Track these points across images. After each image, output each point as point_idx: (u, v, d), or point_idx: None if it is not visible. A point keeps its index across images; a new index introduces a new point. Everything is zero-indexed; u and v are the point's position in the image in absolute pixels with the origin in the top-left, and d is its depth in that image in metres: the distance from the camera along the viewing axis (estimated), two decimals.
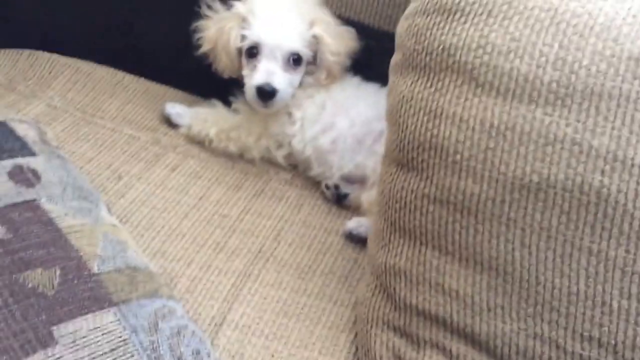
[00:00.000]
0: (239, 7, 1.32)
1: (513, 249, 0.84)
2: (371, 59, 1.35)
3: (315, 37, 1.30)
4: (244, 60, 1.32)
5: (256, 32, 1.28)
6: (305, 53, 1.30)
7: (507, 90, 0.83)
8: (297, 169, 1.37)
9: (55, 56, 1.50)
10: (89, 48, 1.54)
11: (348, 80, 1.37)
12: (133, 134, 1.35)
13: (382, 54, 1.25)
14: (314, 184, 1.34)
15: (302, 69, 1.32)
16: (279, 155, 1.35)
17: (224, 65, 1.34)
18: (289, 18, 1.29)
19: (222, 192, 1.26)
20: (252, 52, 1.30)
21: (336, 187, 1.29)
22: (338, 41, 1.31)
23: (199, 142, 1.37)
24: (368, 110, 1.30)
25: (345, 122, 1.31)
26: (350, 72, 1.38)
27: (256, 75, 1.28)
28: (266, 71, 1.28)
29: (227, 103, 1.41)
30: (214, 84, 1.43)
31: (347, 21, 1.36)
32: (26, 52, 1.50)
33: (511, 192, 0.83)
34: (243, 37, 1.30)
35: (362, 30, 1.35)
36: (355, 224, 1.22)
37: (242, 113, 1.37)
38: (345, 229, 1.22)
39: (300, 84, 1.34)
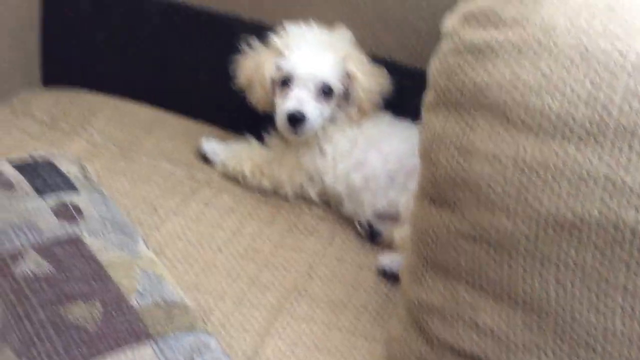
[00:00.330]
0: (275, 41, 1.36)
1: (548, 286, 0.83)
2: (402, 96, 1.37)
3: (347, 72, 1.33)
4: (277, 90, 1.35)
5: (290, 63, 1.32)
6: (337, 86, 1.33)
7: (539, 127, 0.84)
8: (329, 204, 1.38)
9: (95, 95, 1.55)
10: (128, 86, 1.58)
11: (380, 116, 1.38)
12: (169, 169, 1.38)
13: (413, 91, 1.27)
14: (347, 219, 1.34)
15: (333, 101, 1.34)
16: (312, 191, 1.37)
17: (258, 97, 1.37)
18: (322, 52, 1.33)
19: (255, 227, 1.28)
20: (286, 82, 1.33)
21: (369, 224, 1.30)
22: (370, 78, 1.33)
23: (233, 178, 1.39)
24: (400, 146, 1.31)
25: (377, 158, 1.32)
26: (381, 109, 1.39)
27: (288, 102, 1.31)
28: (297, 98, 1.31)
29: (262, 140, 1.44)
30: (248, 120, 1.46)
31: (378, 59, 1.38)
32: (68, 91, 1.55)
33: (545, 229, 0.83)
34: (278, 68, 1.33)
35: (394, 67, 1.37)
36: (387, 259, 1.22)
37: (275, 148, 1.39)
38: (377, 265, 1.23)
39: (332, 119, 1.36)
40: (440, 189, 0.92)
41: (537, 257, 0.84)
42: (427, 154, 0.95)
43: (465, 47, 0.93)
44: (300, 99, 1.31)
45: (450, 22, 1.01)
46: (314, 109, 1.31)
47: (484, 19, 0.93)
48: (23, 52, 1.56)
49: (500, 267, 0.86)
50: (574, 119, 0.82)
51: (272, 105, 1.37)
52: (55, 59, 1.63)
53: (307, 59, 1.32)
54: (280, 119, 1.33)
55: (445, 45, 0.97)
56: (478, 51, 0.91)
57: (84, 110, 1.49)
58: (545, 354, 0.85)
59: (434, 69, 0.98)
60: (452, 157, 0.90)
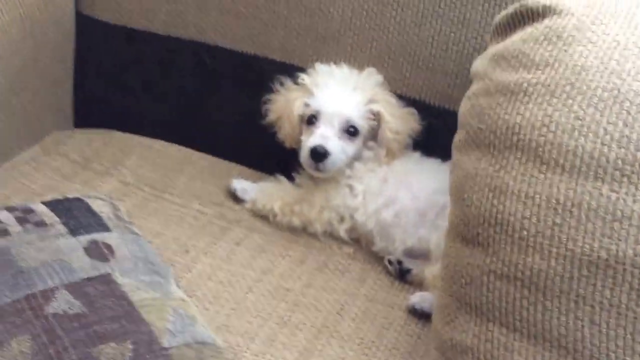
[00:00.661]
0: (305, 79, 1.38)
1: (582, 326, 0.83)
2: (431, 136, 1.38)
3: (374, 113, 1.35)
4: (304, 127, 1.37)
5: (317, 101, 1.35)
6: (362, 125, 1.35)
7: (572, 167, 0.84)
8: (359, 243, 1.38)
9: (127, 135, 1.57)
10: (159, 126, 1.61)
11: (409, 155, 1.39)
12: (200, 208, 1.39)
13: (441, 131, 1.29)
14: (377, 257, 1.34)
15: (358, 141, 1.36)
16: (341, 229, 1.37)
17: (286, 133, 1.40)
18: (349, 91, 1.35)
19: (286, 266, 1.28)
20: (312, 119, 1.35)
21: (399, 262, 1.30)
22: (398, 120, 1.35)
23: (264, 217, 1.39)
24: (430, 184, 1.31)
25: (407, 195, 1.32)
26: (410, 148, 1.40)
27: (312, 138, 1.34)
28: (321, 135, 1.33)
29: (291, 179, 1.44)
30: (278, 160, 1.47)
31: (407, 99, 1.40)
32: (101, 131, 1.58)
33: (579, 269, 0.83)
34: (306, 105, 1.36)
35: (422, 107, 1.39)
36: (418, 298, 1.22)
37: (305, 187, 1.40)
38: (408, 304, 1.22)
39: (361, 158, 1.37)
40: (472, 228, 0.92)
41: (571, 297, 0.84)
42: (459, 194, 0.95)
43: (496, 88, 0.94)
44: (324, 135, 1.33)
45: (480, 63, 1.02)
46: (336, 146, 1.33)
47: (515, 60, 0.94)
48: (56, 93, 1.59)
49: (534, 307, 0.86)
50: (607, 159, 0.83)
51: (299, 142, 1.39)
52: (87, 100, 1.66)
53: (334, 97, 1.35)
54: (304, 155, 1.35)
55: (475, 86, 0.98)
56: (510, 92, 0.92)
57: (116, 151, 1.52)
58: None
59: (465, 109, 0.99)
60: (484, 197, 0.90)
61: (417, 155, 1.39)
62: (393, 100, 1.38)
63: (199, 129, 1.59)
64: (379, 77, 1.39)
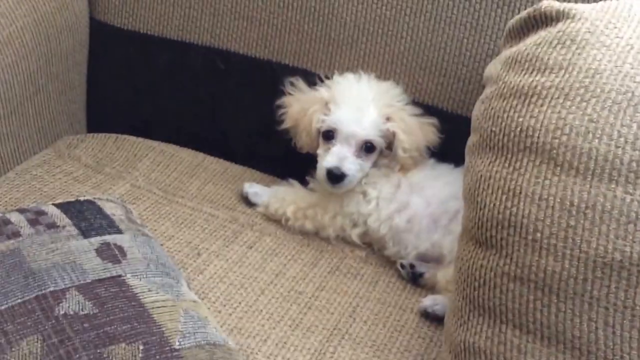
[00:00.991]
0: (322, 92, 1.38)
1: (596, 328, 0.83)
2: (444, 141, 1.38)
3: (390, 130, 1.34)
4: (320, 140, 1.37)
5: (335, 119, 1.34)
6: (379, 142, 1.35)
7: (586, 169, 0.84)
8: (371, 246, 1.38)
9: (140, 139, 1.58)
10: (171, 131, 1.62)
11: (423, 162, 1.39)
12: (212, 212, 1.39)
13: (455, 137, 1.28)
14: (389, 261, 1.34)
15: (374, 155, 1.36)
16: (354, 234, 1.37)
17: (303, 142, 1.40)
18: (366, 108, 1.34)
19: (298, 269, 1.28)
20: (329, 135, 1.35)
21: (411, 266, 1.30)
22: (412, 137, 1.34)
23: (276, 221, 1.40)
24: (443, 189, 1.32)
25: (420, 201, 1.32)
26: (427, 157, 1.40)
27: (328, 158, 1.33)
28: (338, 155, 1.32)
29: (304, 183, 1.45)
30: (291, 165, 1.48)
31: (420, 105, 1.40)
32: (113, 136, 1.59)
33: (593, 270, 0.83)
34: (323, 120, 1.35)
35: (436, 113, 1.39)
36: (430, 301, 1.22)
37: (318, 192, 1.40)
38: (420, 307, 1.22)
39: (375, 164, 1.37)
40: (486, 230, 0.92)
41: (585, 298, 0.83)
42: (472, 196, 0.95)
43: (510, 92, 0.94)
44: (340, 156, 1.32)
45: (494, 67, 1.02)
46: (353, 165, 1.32)
47: (528, 64, 0.94)
48: (70, 97, 1.60)
49: (547, 309, 0.86)
50: (621, 161, 0.83)
51: (316, 148, 1.39)
52: (100, 105, 1.68)
53: (351, 116, 1.33)
54: (320, 173, 1.35)
55: (489, 90, 0.99)
56: (523, 95, 0.92)
57: (129, 155, 1.52)
58: None
59: (478, 113, 0.99)
60: (498, 199, 0.90)
61: (431, 161, 1.39)
62: (410, 115, 1.37)
63: (212, 134, 1.60)
64: (398, 90, 1.39)
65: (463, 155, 1.06)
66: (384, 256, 1.35)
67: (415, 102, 1.40)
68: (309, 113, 1.37)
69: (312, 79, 1.44)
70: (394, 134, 1.34)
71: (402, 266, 1.31)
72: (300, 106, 1.40)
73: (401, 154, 1.34)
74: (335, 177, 1.32)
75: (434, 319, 1.21)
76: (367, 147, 1.34)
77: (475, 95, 1.31)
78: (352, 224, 1.37)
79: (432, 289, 1.27)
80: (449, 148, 1.35)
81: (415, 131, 1.35)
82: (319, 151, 1.37)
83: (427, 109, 1.39)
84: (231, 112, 1.57)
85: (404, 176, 1.36)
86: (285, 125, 1.42)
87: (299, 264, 1.30)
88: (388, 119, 1.34)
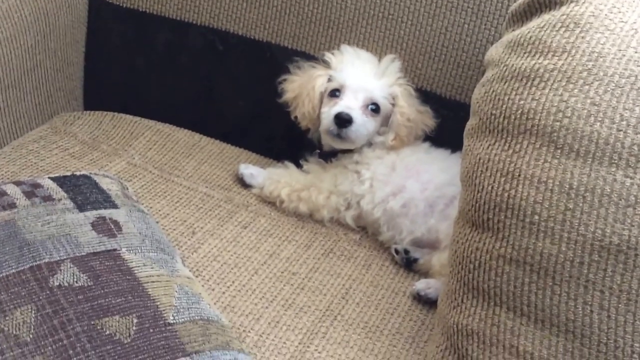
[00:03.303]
0: (330, 58, 1.40)
1: (591, 312, 0.83)
2: (442, 127, 1.39)
3: (393, 97, 1.36)
4: (325, 100, 1.39)
5: (343, 75, 1.36)
6: (384, 104, 1.36)
7: (587, 152, 0.84)
8: (365, 230, 1.38)
9: (137, 118, 1.58)
10: (168, 111, 1.61)
11: (418, 144, 1.39)
12: (207, 192, 1.39)
13: (452, 123, 1.29)
14: (382, 245, 1.35)
15: (378, 119, 1.37)
16: (348, 216, 1.37)
17: (304, 110, 1.40)
18: (373, 71, 1.37)
19: (291, 250, 1.28)
20: (335, 93, 1.37)
21: (406, 251, 1.30)
22: (411, 109, 1.35)
23: (271, 202, 1.40)
24: (439, 174, 1.32)
25: (416, 185, 1.32)
26: (421, 140, 1.41)
27: (336, 107, 1.35)
28: (346, 104, 1.34)
29: (299, 166, 1.45)
30: (286, 147, 1.48)
31: (419, 91, 1.41)
32: (110, 114, 1.58)
33: (590, 254, 0.83)
34: (330, 79, 1.38)
35: (434, 99, 1.39)
36: (423, 285, 1.22)
37: (313, 173, 1.41)
38: (413, 290, 1.23)
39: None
40: (483, 213, 0.92)
41: (581, 282, 0.83)
42: (470, 179, 0.95)
43: (511, 74, 0.94)
44: (348, 105, 1.34)
45: (495, 51, 1.02)
46: (360, 117, 1.34)
47: (531, 47, 0.94)
48: (67, 74, 1.59)
49: (542, 291, 0.86)
50: (622, 145, 0.83)
51: (316, 120, 1.40)
52: (97, 82, 1.67)
53: (359, 73, 1.36)
54: (327, 122, 1.35)
55: (490, 73, 0.98)
56: (525, 78, 0.92)
57: (125, 133, 1.52)
58: None
59: (479, 96, 0.99)
60: (496, 182, 0.90)
61: (426, 145, 1.39)
62: (412, 90, 1.39)
63: (209, 115, 1.60)
64: (399, 64, 1.40)
65: (460, 142, 1.06)
66: (378, 240, 1.36)
67: (413, 88, 1.40)
68: (313, 78, 1.39)
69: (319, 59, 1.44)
70: (394, 101, 1.36)
71: (397, 251, 1.31)
72: (305, 75, 1.41)
73: (399, 118, 1.35)
74: (344, 120, 1.32)
75: (426, 302, 1.21)
76: (372, 108, 1.36)
77: (474, 81, 1.31)
78: (346, 205, 1.37)
79: (425, 274, 1.27)
80: (446, 134, 1.35)
81: (414, 103, 1.37)
82: (324, 109, 1.37)
83: (425, 95, 1.40)
84: (228, 93, 1.57)
85: (399, 157, 1.36)
86: (286, 97, 1.43)
87: (293, 245, 1.30)
88: (393, 84, 1.37)
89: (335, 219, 1.38)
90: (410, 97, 1.38)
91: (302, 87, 1.40)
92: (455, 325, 0.96)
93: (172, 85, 1.62)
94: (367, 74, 1.36)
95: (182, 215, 1.31)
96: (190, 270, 1.13)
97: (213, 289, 1.16)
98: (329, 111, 1.35)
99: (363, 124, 1.34)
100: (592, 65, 0.87)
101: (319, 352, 1.09)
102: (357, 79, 1.35)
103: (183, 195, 1.37)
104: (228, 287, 1.18)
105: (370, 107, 1.35)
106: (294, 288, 1.20)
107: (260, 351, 1.07)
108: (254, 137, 1.56)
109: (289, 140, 1.48)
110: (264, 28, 1.49)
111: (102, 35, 1.63)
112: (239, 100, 1.56)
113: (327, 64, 1.40)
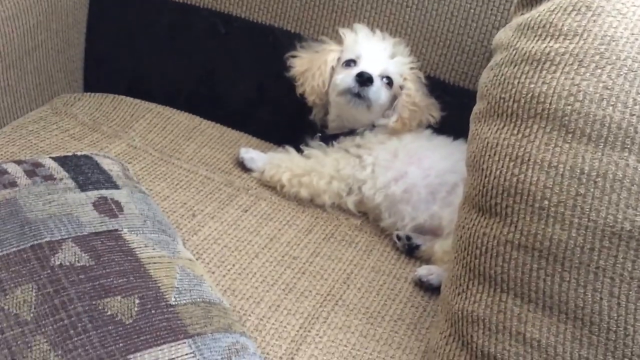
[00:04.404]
0: (344, 33, 1.40)
1: (601, 299, 0.82)
2: (446, 114, 1.38)
3: (403, 77, 1.36)
4: (339, 69, 1.38)
5: (359, 48, 1.37)
6: (397, 80, 1.37)
7: (599, 137, 0.83)
8: (367, 216, 1.37)
9: (137, 101, 1.56)
10: (170, 95, 1.60)
11: (420, 131, 1.39)
12: (208, 175, 1.38)
13: (456, 110, 1.28)
14: (384, 231, 1.34)
15: (391, 92, 1.37)
16: (350, 201, 1.36)
17: (313, 84, 1.40)
18: (388, 50, 1.37)
19: (292, 235, 1.27)
20: (350, 63, 1.37)
21: (408, 238, 1.29)
22: (418, 93, 1.35)
23: (271, 186, 1.39)
24: (442, 161, 1.31)
25: (418, 172, 1.31)
26: (423, 127, 1.40)
27: (354, 70, 1.34)
28: (364, 68, 1.33)
29: (300, 151, 1.44)
30: (287, 132, 1.47)
31: (425, 77, 1.39)
32: (110, 96, 1.56)
33: (601, 240, 0.82)
34: (346, 50, 1.39)
35: (438, 85, 1.38)
36: (425, 271, 1.21)
37: (314, 158, 1.39)
38: (415, 276, 1.22)
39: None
40: (490, 198, 0.91)
41: (591, 268, 0.83)
42: (477, 164, 0.94)
43: (521, 58, 0.93)
44: (366, 69, 1.33)
45: (505, 34, 1.01)
46: (379, 80, 1.34)
47: (542, 30, 0.93)
48: (68, 55, 1.57)
49: (551, 278, 0.85)
50: (635, 129, 0.82)
51: (324, 95, 1.40)
52: (98, 64, 1.65)
53: (375, 48, 1.37)
54: (344, 84, 1.34)
55: (499, 57, 0.97)
56: (536, 61, 0.91)
57: (125, 115, 1.51)
58: None
59: (487, 80, 0.98)
60: (505, 166, 0.89)
61: (428, 131, 1.38)
62: (422, 77, 1.39)
63: (210, 98, 1.58)
64: (408, 49, 1.40)
65: (463, 129, 1.05)
66: (380, 227, 1.35)
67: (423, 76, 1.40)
68: (326, 52, 1.39)
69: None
70: (403, 83, 1.36)
71: (399, 238, 1.30)
72: (313, 53, 1.41)
73: (404, 100, 1.35)
74: (366, 79, 1.32)
75: (428, 288, 1.20)
76: (386, 82, 1.36)
77: (479, 67, 1.30)
78: (347, 190, 1.36)
79: (427, 260, 1.27)
80: (449, 121, 1.35)
81: (422, 89, 1.37)
82: (339, 76, 1.37)
83: (429, 81, 1.39)
84: (230, 77, 1.56)
85: (401, 143, 1.35)
86: (294, 72, 1.42)
87: (294, 229, 1.29)
88: (405, 65, 1.37)
89: (337, 204, 1.37)
90: (419, 82, 1.38)
91: (312, 61, 1.39)
92: (460, 312, 0.95)
93: (173, 68, 1.60)
94: (381, 50, 1.36)
95: (182, 198, 1.30)
96: (190, 253, 1.12)
97: (213, 272, 1.15)
98: (349, 73, 1.34)
99: (380, 88, 1.34)
100: (605, 48, 0.86)
101: (320, 337, 1.08)
102: (373, 52, 1.36)
103: (183, 178, 1.36)
104: (228, 270, 1.17)
105: (384, 79, 1.35)
106: (295, 272, 1.19)
107: (260, 335, 1.06)
108: (255, 121, 1.54)
109: (290, 124, 1.47)
110: (267, 11, 1.48)
111: (104, 17, 1.61)
112: (240, 84, 1.55)
113: (339, 40, 1.40)
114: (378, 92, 1.33)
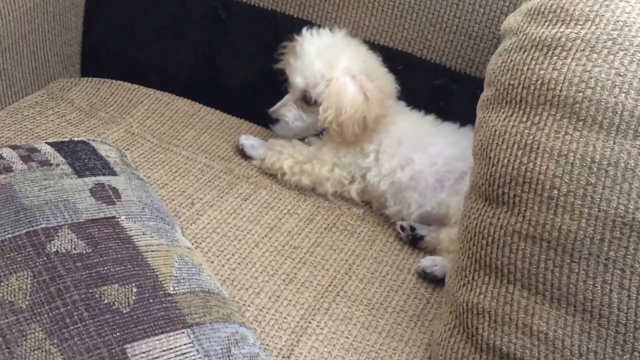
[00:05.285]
0: (293, 45, 1.39)
1: (611, 291, 0.80)
2: (452, 102, 1.35)
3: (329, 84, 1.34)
4: None
5: (288, 69, 1.38)
6: (317, 94, 1.34)
7: (611, 124, 0.81)
8: (370, 205, 1.35)
9: (135, 86, 1.53)
10: (168, 80, 1.57)
11: (421, 116, 1.36)
12: (207, 162, 1.36)
13: (462, 97, 1.25)
14: (387, 220, 1.32)
15: (317, 108, 1.35)
16: (353, 190, 1.34)
17: None
18: (311, 61, 1.34)
19: (293, 224, 1.25)
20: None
21: (412, 228, 1.27)
22: (340, 105, 1.31)
23: (271, 174, 1.36)
24: (448, 149, 1.29)
25: (425, 159, 1.29)
26: (418, 110, 1.37)
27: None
28: (282, 101, 1.39)
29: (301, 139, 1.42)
30: None
31: (427, 63, 1.36)
32: (108, 81, 1.54)
33: (612, 230, 0.80)
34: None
35: (444, 72, 1.35)
36: (429, 262, 1.19)
37: (315, 145, 1.38)
38: (418, 267, 1.20)
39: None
40: (497, 187, 0.89)
41: (601, 260, 0.81)
42: (485, 152, 0.92)
43: (531, 43, 0.91)
44: (283, 102, 1.39)
45: (514, 19, 0.98)
46: (290, 112, 1.38)
47: (552, 15, 0.91)
48: (65, 39, 1.55)
49: (559, 269, 0.83)
50: None
51: None
52: (96, 49, 1.63)
53: (298, 67, 1.35)
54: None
55: (508, 42, 0.95)
56: (546, 47, 0.89)
57: (123, 101, 1.48)
58: None
59: (495, 66, 0.96)
60: (513, 155, 0.88)
61: (431, 117, 1.35)
62: (370, 64, 1.35)
63: (209, 84, 1.56)
64: (354, 44, 1.37)
65: (468, 116, 1.03)
66: (383, 215, 1.33)
67: (421, 59, 1.36)
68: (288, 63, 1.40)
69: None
70: (327, 95, 1.33)
71: (402, 228, 1.28)
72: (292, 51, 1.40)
73: (321, 115, 1.33)
74: (270, 119, 1.39)
75: (431, 280, 1.18)
76: (306, 98, 1.35)
77: (487, 54, 1.28)
78: (350, 178, 1.34)
79: (431, 251, 1.24)
80: (455, 108, 1.32)
81: (348, 99, 1.31)
82: None
83: (434, 68, 1.36)
84: (230, 62, 1.53)
85: (405, 131, 1.32)
86: (280, 65, 1.42)
87: (295, 218, 1.27)
88: (329, 79, 1.33)
89: (339, 192, 1.35)
90: (344, 90, 1.32)
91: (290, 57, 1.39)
92: (465, 304, 0.93)
93: (172, 54, 1.57)
94: (303, 65, 1.34)
95: (181, 186, 1.28)
96: (189, 242, 1.11)
97: (212, 262, 1.14)
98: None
99: (293, 118, 1.38)
100: (617, 34, 0.84)
101: (321, 329, 1.06)
102: (292, 72, 1.36)
103: (182, 165, 1.33)
104: (228, 259, 1.15)
105: (306, 98, 1.36)
106: (296, 262, 1.17)
107: (260, 326, 1.05)
108: (256, 108, 1.51)
109: None
110: None
111: (102, 1, 1.59)
112: (241, 70, 1.52)
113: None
114: (284, 128, 1.39)
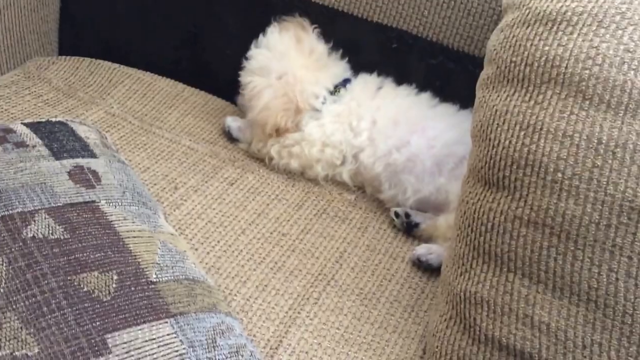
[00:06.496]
0: None
1: (617, 280, 0.77)
2: (449, 81, 1.31)
3: None
4: None
5: None
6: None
7: (619, 104, 0.78)
8: (362, 190, 1.31)
9: (115, 65, 1.50)
10: (150, 60, 1.53)
11: (418, 96, 1.32)
12: (191, 145, 1.32)
13: (460, 77, 1.21)
14: (380, 207, 1.28)
15: None
16: (345, 172, 1.30)
17: None
18: (256, 56, 1.37)
19: (281, 210, 1.22)
20: None
21: (407, 215, 1.23)
22: (252, 103, 1.33)
23: (259, 158, 1.33)
24: (447, 131, 1.24)
25: (422, 141, 1.25)
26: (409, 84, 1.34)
27: None
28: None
29: None
30: None
31: (424, 41, 1.32)
32: (87, 59, 1.50)
33: (619, 216, 0.77)
34: None
35: (441, 50, 1.31)
36: (424, 250, 1.16)
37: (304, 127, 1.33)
38: (413, 256, 1.16)
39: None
40: (498, 170, 0.86)
41: (607, 246, 0.78)
42: (484, 133, 0.89)
43: (535, 18, 0.87)
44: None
45: None
46: (233, 123, 1.38)
47: None
48: (42, 15, 1.50)
49: (563, 257, 0.80)
50: None
51: None
52: (73, 26, 1.58)
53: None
54: None
55: (510, 17, 0.91)
56: (551, 23, 0.85)
57: (103, 80, 1.44)
58: (608, 355, 0.79)
59: (496, 42, 0.92)
60: (514, 136, 0.84)
61: (426, 95, 1.31)
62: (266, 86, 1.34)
63: (194, 64, 1.53)
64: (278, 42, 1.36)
65: (468, 97, 0.99)
66: (375, 200, 1.29)
67: (418, 37, 1.32)
68: None
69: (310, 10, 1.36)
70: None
71: (397, 215, 1.24)
72: None
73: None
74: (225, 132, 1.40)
75: (426, 268, 1.15)
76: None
77: (486, 31, 1.24)
78: (342, 158, 1.30)
79: (426, 240, 1.21)
80: (453, 89, 1.28)
81: (260, 104, 1.32)
82: None
83: (431, 46, 1.31)
84: (216, 41, 1.49)
85: (401, 111, 1.28)
86: None
87: (283, 204, 1.23)
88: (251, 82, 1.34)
89: (330, 177, 1.31)
90: (259, 94, 1.33)
91: None
92: (462, 293, 0.89)
93: (155, 31, 1.54)
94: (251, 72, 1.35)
95: (164, 170, 1.24)
96: (172, 228, 1.07)
97: (197, 249, 1.10)
98: None
99: (237, 129, 1.38)
100: (627, 8, 0.81)
101: (311, 319, 1.03)
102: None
103: (165, 148, 1.29)
104: (213, 247, 1.11)
105: None
106: (284, 250, 1.14)
107: (247, 316, 1.01)
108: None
109: None
110: None
111: None
112: (227, 49, 1.48)
113: None
114: (234, 132, 1.38)
